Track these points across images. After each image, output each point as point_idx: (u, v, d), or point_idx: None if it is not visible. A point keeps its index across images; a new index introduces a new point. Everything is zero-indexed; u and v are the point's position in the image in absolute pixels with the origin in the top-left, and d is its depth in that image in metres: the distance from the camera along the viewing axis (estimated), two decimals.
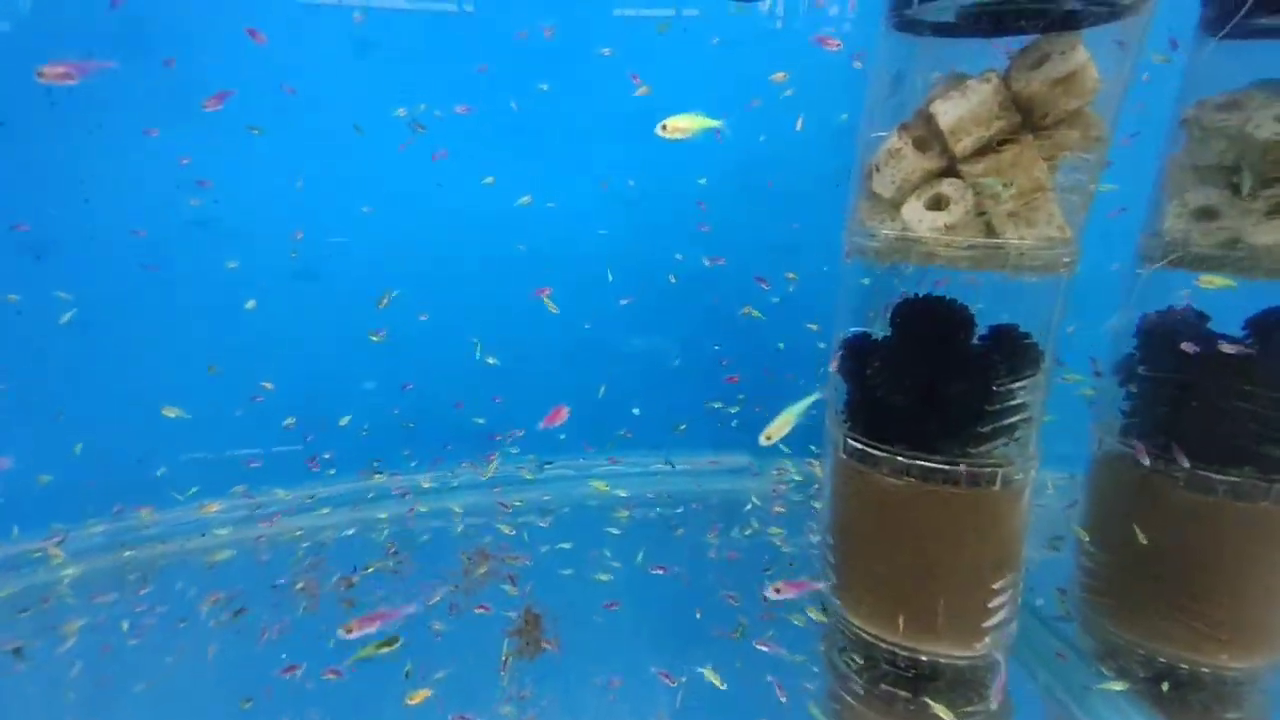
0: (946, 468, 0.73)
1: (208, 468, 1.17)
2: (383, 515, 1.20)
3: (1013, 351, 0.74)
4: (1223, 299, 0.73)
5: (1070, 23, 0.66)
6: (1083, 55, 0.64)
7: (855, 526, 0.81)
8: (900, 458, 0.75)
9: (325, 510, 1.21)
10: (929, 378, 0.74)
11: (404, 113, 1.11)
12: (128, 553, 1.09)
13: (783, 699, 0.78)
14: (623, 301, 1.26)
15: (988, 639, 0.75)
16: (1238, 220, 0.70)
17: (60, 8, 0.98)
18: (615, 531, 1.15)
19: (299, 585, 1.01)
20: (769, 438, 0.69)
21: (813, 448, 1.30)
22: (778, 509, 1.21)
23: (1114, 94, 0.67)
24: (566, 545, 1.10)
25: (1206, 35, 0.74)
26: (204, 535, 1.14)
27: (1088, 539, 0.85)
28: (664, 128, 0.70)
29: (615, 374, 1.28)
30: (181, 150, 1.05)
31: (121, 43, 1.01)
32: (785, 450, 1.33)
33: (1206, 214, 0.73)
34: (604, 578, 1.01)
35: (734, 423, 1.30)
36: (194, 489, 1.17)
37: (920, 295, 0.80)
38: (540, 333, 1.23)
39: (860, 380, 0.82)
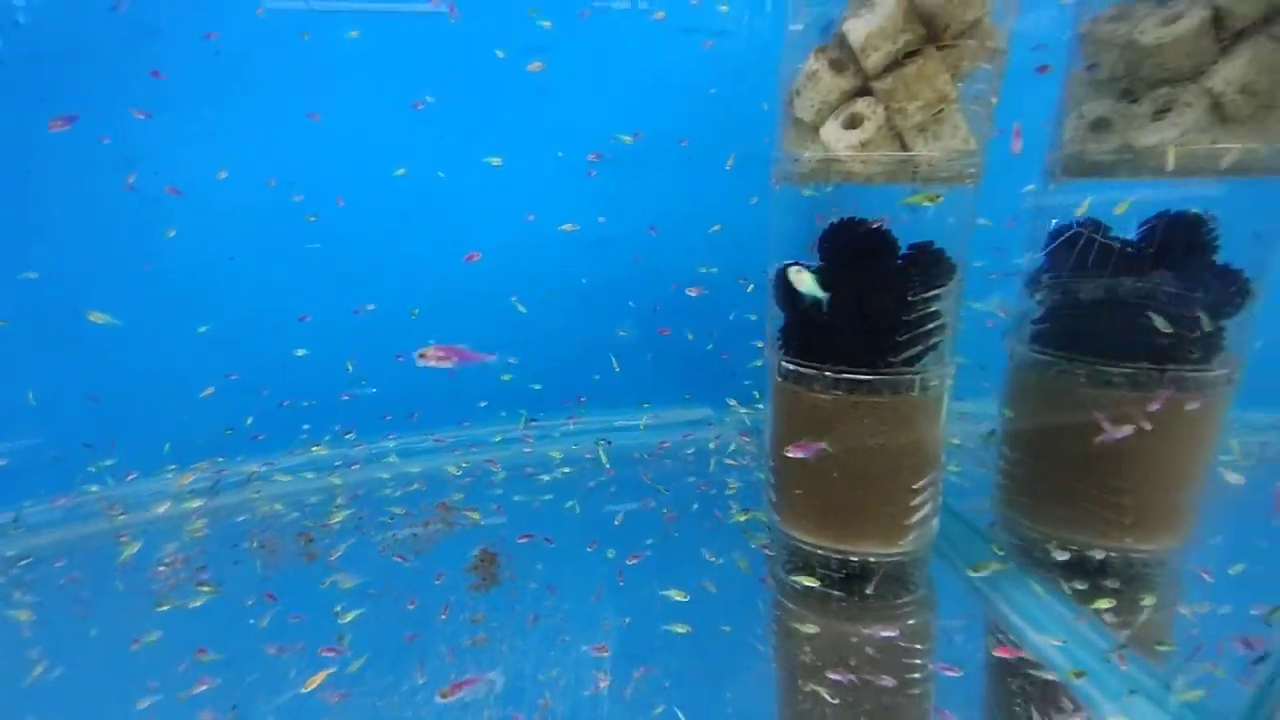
0: (871, 379, 0.76)
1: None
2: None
3: (928, 265, 0.77)
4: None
5: None
6: None
7: (790, 443, 0.84)
8: (829, 374, 0.78)
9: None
10: (855, 297, 0.77)
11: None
12: None
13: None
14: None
15: (911, 536, 0.80)
16: (1127, 127, 0.74)
17: None
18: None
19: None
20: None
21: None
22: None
23: (1011, 3, 0.69)
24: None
25: None
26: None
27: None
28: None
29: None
30: None
31: None
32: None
33: (1100, 124, 0.77)
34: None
35: None
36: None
37: (844, 220, 0.82)
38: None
39: (794, 306, 0.85)
